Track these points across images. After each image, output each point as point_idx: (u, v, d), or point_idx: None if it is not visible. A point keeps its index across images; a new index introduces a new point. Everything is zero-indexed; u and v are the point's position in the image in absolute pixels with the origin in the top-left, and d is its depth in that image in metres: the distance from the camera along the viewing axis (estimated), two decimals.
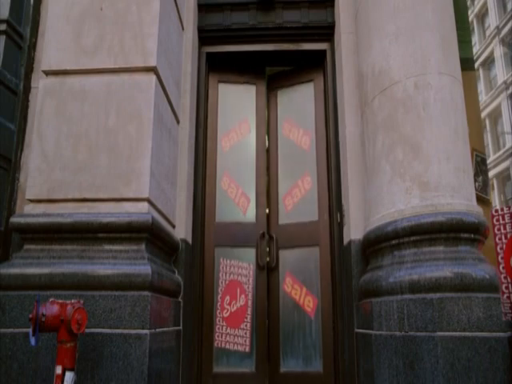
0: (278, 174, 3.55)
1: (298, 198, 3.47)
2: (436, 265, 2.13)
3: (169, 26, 2.70)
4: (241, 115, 3.61)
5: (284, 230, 3.44)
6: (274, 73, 3.78)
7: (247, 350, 3.21)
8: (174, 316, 2.54)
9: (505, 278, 2.58)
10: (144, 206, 2.22)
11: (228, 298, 3.28)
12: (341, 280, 2.86)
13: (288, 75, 3.71)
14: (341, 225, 2.95)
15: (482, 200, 3.50)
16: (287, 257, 3.39)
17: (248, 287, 3.30)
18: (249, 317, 3.25)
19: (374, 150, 2.55)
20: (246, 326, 3.26)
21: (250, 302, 3.26)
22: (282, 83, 3.71)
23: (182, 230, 2.81)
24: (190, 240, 2.95)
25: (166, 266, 2.51)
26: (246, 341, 3.23)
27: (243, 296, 3.29)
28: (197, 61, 3.29)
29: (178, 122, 2.93)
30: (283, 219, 3.46)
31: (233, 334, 3.26)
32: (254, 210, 3.42)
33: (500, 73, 16.81)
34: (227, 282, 3.31)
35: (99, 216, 2.17)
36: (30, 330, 1.67)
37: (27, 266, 2.13)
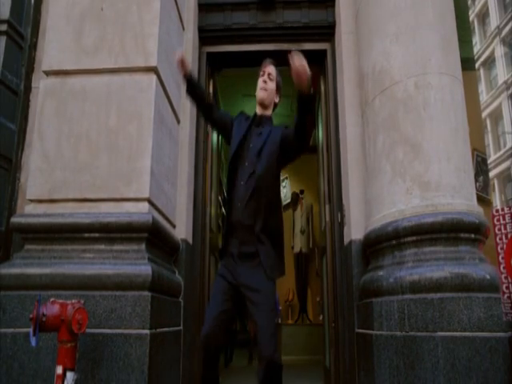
0: None
1: None
2: (436, 265, 2.13)
3: (169, 25, 2.70)
4: None
5: None
6: None
7: None
8: (174, 316, 2.54)
9: (505, 277, 2.57)
10: (144, 206, 2.22)
11: None
12: (341, 280, 2.86)
13: None
14: (341, 225, 2.94)
15: (483, 200, 3.50)
16: None
17: None
18: None
19: (374, 149, 2.54)
20: None
21: None
22: None
23: (182, 230, 2.81)
24: (190, 240, 2.95)
25: (166, 266, 2.51)
26: None
27: None
28: (197, 61, 3.29)
29: (178, 121, 2.93)
30: None
31: None
32: None
33: (501, 73, 16.80)
34: None
35: (100, 216, 2.18)
36: (31, 330, 1.67)
37: (28, 266, 2.13)
